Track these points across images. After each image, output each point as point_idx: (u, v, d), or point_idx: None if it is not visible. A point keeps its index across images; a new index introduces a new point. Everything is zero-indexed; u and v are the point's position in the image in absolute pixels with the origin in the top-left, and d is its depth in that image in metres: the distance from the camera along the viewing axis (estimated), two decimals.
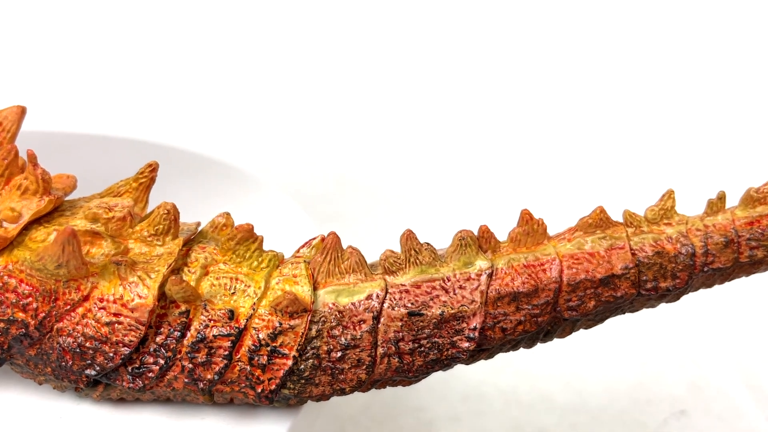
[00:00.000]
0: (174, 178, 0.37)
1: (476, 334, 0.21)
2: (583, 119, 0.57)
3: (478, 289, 0.22)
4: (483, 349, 0.22)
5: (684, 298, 0.42)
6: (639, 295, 0.22)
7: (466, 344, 0.21)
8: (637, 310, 0.24)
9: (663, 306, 0.43)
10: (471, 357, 0.22)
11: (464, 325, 0.21)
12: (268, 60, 0.60)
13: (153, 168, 0.22)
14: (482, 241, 0.22)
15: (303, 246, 0.22)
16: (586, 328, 0.24)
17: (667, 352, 0.41)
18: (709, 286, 0.23)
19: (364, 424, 0.36)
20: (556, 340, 0.41)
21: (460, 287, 0.22)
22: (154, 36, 0.58)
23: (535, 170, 0.54)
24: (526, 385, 0.39)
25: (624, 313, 0.24)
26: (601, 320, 0.23)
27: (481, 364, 0.39)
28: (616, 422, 0.36)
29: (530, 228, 0.22)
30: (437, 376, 0.38)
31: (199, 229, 0.23)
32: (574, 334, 0.41)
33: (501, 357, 0.39)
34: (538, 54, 0.60)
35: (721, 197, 0.23)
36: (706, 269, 0.22)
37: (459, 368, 0.39)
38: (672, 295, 0.23)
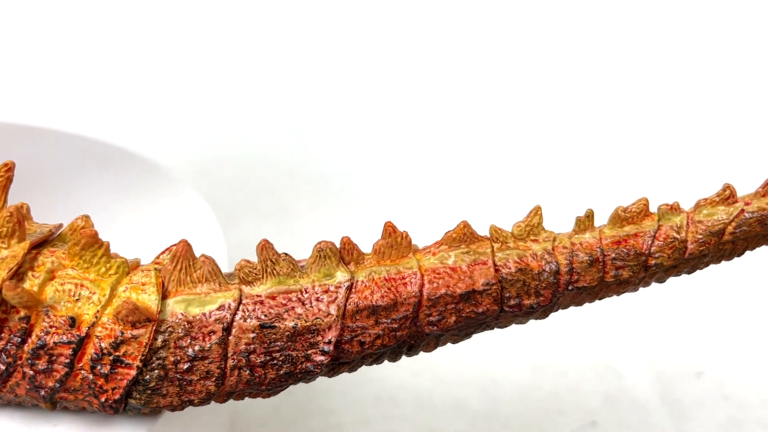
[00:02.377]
0: (85, 170, 0.36)
1: (331, 347, 0.21)
2: (552, 113, 0.57)
3: (335, 301, 0.21)
4: (343, 362, 0.22)
5: (609, 308, 0.42)
6: (502, 312, 0.22)
7: (321, 358, 0.21)
8: (505, 326, 0.23)
9: (587, 316, 0.43)
10: (332, 370, 0.22)
11: (319, 338, 0.21)
12: (224, 48, 0.60)
13: (9, 168, 0.22)
14: (344, 253, 0.22)
15: (163, 252, 0.22)
16: (453, 343, 0.23)
17: (588, 361, 0.40)
18: (579, 304, 0.23)
19: (271, 426, 0.36)
20: (481, 345, 0.41)
21: (317, 299, 0.21)
22: (68, 24, 0.57)
23: (481, 160, 0.54)
24: (442, 390, 0.38)
25: (492, 329, 0.23)
26: (467, 335, 0.23)
27: (400, 368, 0.39)
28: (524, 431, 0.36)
29: (393, 240, 0.22)
30: (352, 379, 0.37)
31: (59, 231, 0.22)
32: (498, 338, 0.41)
33: (421, 361, 0.39)
34: (502, 44, 0.60)
35: (589, 215, 0.23)
36: (570, 288, 0.22)
37: (376, 372, 0.39)
38: (538, 312, 0.23)
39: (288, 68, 0.61)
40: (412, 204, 0.52)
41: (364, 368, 0.38)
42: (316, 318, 0.21)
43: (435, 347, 0.23)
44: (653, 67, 0.59)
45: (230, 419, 0.35)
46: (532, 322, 0.42)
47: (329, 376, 0.23)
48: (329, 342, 0.21)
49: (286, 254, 0.21)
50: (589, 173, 0.54)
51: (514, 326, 0.42)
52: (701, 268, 0.22)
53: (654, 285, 0.44)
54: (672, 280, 0.44)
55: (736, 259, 0.48)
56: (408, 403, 0.37)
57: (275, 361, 0.21)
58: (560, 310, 0.23)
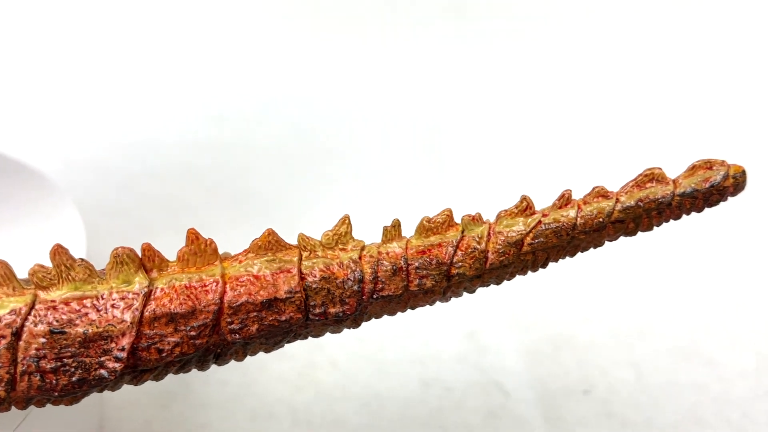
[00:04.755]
0: None
1: (124, 354, 0.21)
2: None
3: (131, 308, 0.21)
4: (143, 369, 0.22)
5: (505, 325, 0.43)
6: (308, 320, 0.22)
7: (114, 365, 0.21)
8: (318, 335, 0.23)
9: (483, 332, 0.43)
10: (134, 378, 0.22)
11: (112, 345, 0.21)
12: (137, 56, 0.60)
13: None
14: (145, 260, 0.22)
15: None
16: (265, 352, 0.23)
17: (477, 378, 0.40)
18: (390, 313, 0.23)
19: None
20: (370, 359, 0.41)
21: (113, 306, 0.21)
22: None
23: (403, 182, 0.54)
24: (323, 405, 0.38)
25: (305, 338, 0.23)
26: (277, 344, 0.23)
27: (282, 383, 0.38)
28: None
29: (197, 248, 0.22)
30: (231, 393, 0.37)
31: None
32: (388, 352, 0.41)
33: (303, 377, 0.39)
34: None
35: (395, 225, 0.23)
36: (375, 296, 0.22)
37: (258, 386, 0.39)
38: (347, 320, 0.23)
39: (211, 82, 0.61)
40: (329, 225, 0.52)
41: (245, 382, 0.38)
42: (109, 324, 0.21)
43: (244, 356, 0.23)
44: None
45: None
46: (427, 337, 0.42)
47: (134, 384, 0.22)
48: (123, 349, 0.21)
49: (83, 260, 0.21)
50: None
51: (406, 339, 0.42)
52: (508, 279, 0.23)
53: (546, 302, 0.44)
54: (565, 298, 0.45)
55: (624, 275, 0.48)
56: (285, 417, 0.37)
57: (67, 368, 0.21)
58: (373, 319, 0.23)
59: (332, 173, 0.56)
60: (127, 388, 0.37)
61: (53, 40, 0.61)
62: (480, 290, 0.45)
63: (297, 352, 0.40)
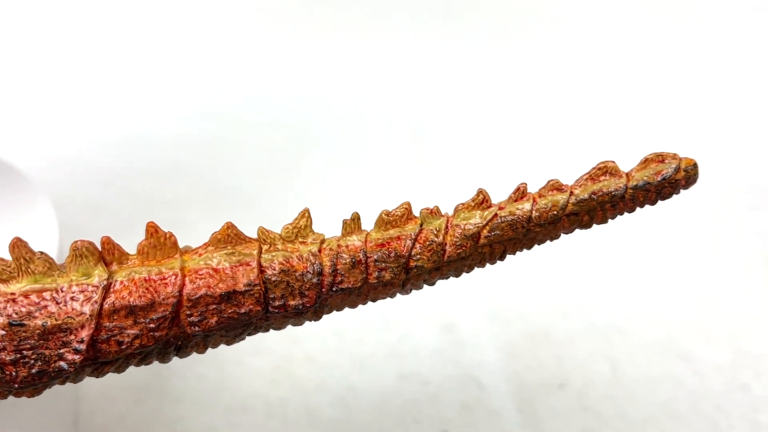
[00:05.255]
0: None
1: (84, 346, 0.21)
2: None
3: (90, 301, 0.21)
4: (104, 362, 0.22)
5: (483, 319, 0.43)
6: (268, 312, 0.22)
7: (74, 357, 0.21)
8: (279, 328, 0.23)
9: (461, 327, 0.43)
10: (95, 370, 0.22)
11: (72, 337, 0.21)
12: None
13: None
14: (105, 253, 0.22)
15: None
16: (226, 344, 0.23)
17: (453, 372, 0.41)
18: (352, 305, 0.23)
19: None
20: (348, 352, 0.41)
21: (72, 298, 0.21)
22: None
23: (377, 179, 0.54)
24: (298, 399, 0.38)
25: (266, 330, 0.23)
26: (238, 336, 0.23)
27: (258, 377, 0.38)
28: None
29: (157, 241, 0.22)
30: (207, 387, 0.37)
31: None
32: (366, 345, 0.41)
33: (279, 370, 0.39)
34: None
35: (355, 218, 0.23)
36: (335, 288, 0.22)
37: (234, 380, 0.39)
38: (308, 313, 0.23)
39: (194, 78, 0.61)
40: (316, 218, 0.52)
41: (221, 376, 0.38)
42: (68, 317, 0.21)
43: (205, 348, 0.23)
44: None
45: (74, 427, 0.35)
46: (405, 330, 0.42)
47: (96, 377, 0.23)
48: (82, 341, 0.21)
49: (42, 252, 0.22)
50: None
51: (385, 333, 0.42)
52: (467, 271, 0.23)
53: (526, 296, 0.45)
54: (545, 293, 0.45)
55: (604, 269, 0.48)
56: (259, 411, 0.37)
57: (27, 360, 0.21)
58: (335, 311, 0.23)
59: (315, 168, 0.56)
60: (102, 382, 0.37)
61: (34, 34, 0.61)
62: (460, 284, 0.45)
63: (273, 345, 0.41)
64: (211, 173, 0.56)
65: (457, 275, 0.23)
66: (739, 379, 0.41)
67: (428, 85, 0.61)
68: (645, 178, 0.21)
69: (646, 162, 0.21)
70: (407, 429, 0.37)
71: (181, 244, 0.54)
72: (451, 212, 0.23)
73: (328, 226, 0.51)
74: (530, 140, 0.56)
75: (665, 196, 0.21)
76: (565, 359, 0.41)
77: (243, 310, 0.22)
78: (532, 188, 0.22)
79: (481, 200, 0.22)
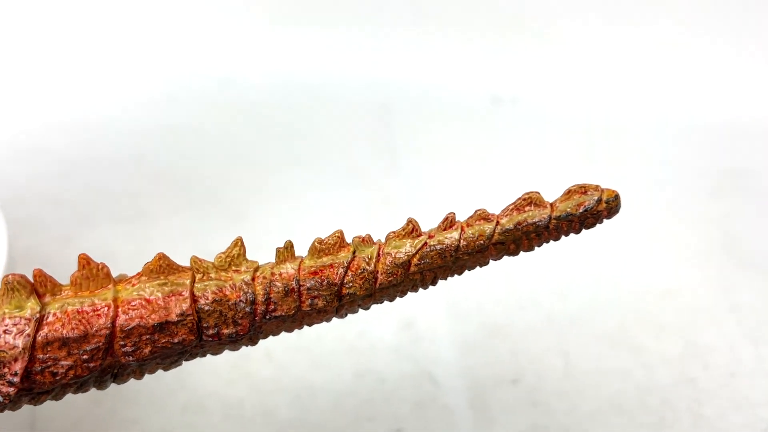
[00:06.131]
0: None
1: (17, 379, 0.21)
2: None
3: (23, 334, 0.22)
4: (40, 392, 0.22)
5: (442, 313, 0.43)
6: (202, 341, 0.23)
7: (8, 389, 0.21)
8: (216, 353, 0.24)
9: (414, 322, 0.44)
10: (32, 399, 0.23)
11: (5, 370, 0.21)
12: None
13: None
14: (38, 285, 0.22)
15: None
16: (164, 370, 0.24)
17: (409, 369, 0.41)
18: (288, 330, 0.24)
19: None
20: (305, 351, 0.42)
21: (5, 332, 0.22)
22: None
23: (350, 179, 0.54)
24: (254, 398, 0.39)
25: (203, 356, 0.24)
26: (174, 363, 0.23)
27: (215, 376, 0.39)
28: None
29: (89, 272, 0.22)
30: (164, 387, 0.38)
31: None
32: (323, 344, 0.41)
33: (237, 369, 0.40)
34: None
35: (288, 246, 0.23)
36: (268, 317, 0.23)
37: (191, 379, 0.39)
38: (243, 340, 0.23)
39: (158, 62, 0.60)
40: (277, 215, 0.52)
41: (179, 376, 0.39)
42: (1, 350, 0.21)
43: (142, 375, 0.23)
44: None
45: (31, 430, 0.35)
46: (364, 327, 0.42)
47: (33, 405, 0.23)
48: (15, 374, 0.21)
49: None
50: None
51: (344, 329, 0.43)
52: (401, 296, 0.23)
53: (483, 291, 0.45)
54: (502, 287, 0.45)
55: (559, 263, 0.48)
56: (216, 411, 0.38)
57: None
58: (271, 337, 0.24)
59: (280, 159, 0.56)
60: None
61: None
62: None
63: None
64: (175, 164, 0.55)
65: (391, 300, 0.23)
66: (687, 372, 0.42)
67: (396, 74, 0.61)
68: (568, 210, 0.22)
69: (569, 193, 0.22)
70: (362, 428, 0.38)
71: (143, 238, 0.53)
72: (383, 239, 0.23)
73: (294, 219, 0.52)
74: (497, 134, 0.56)
75: (589, 226, 0.22)
76: (520, 353, 0.42)
77: (176, 340, 0.22)
78: (462, 215, 0.23)
79: (411, 229, 0.22)
